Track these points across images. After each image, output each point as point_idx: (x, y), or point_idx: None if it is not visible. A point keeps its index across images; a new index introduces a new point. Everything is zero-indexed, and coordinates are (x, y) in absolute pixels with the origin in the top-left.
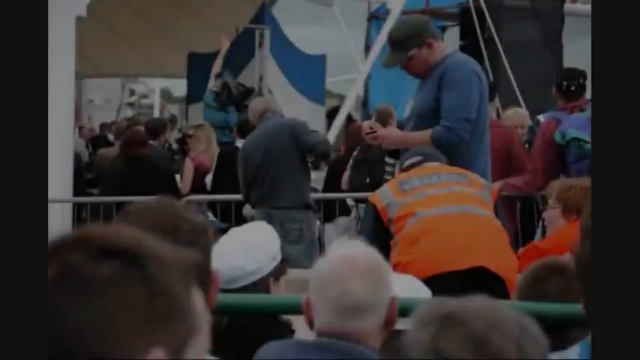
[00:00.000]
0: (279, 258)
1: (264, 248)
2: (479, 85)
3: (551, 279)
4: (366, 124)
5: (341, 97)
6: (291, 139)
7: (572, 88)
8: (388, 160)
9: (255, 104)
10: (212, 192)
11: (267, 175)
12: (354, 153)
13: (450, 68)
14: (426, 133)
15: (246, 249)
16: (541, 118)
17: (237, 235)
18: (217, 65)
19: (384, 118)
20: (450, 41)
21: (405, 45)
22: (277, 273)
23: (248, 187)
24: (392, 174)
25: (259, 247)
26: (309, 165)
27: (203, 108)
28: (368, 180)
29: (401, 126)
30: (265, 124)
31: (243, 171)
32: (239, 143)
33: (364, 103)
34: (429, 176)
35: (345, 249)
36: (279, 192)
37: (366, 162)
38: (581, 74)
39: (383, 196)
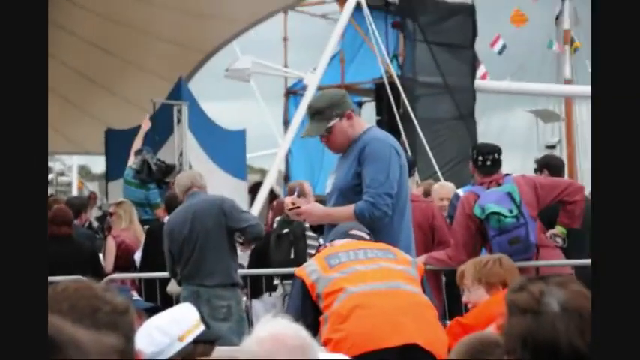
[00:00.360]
0: (189, 339)
1: (164, 331)
2: (398, 160)
3: (492, 352)
4: (288, 200)
5: (263, 172)
6: (219, 216)
7: (488, 163)
8: (310, 233)
9: (181, 179)
10: (141, 270)
11: (194, 251)
12: (274, 227)
13: (370, 144)
14: (349, 209)
15: (146, 332)
16: (460, 192)
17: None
18: (137, 143)
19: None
20: (366, 117)
21: (325, 115)
22: (190, 354)
23: (174, 262)
24: (315, 248)
25: (160, 330)
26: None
27: (123, 185)
28: (292, 255)
29: (323, 201)
30: (192, 199)
31: (168, 246)
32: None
33: (286, 178)
34: (355, 252)
35: (272, 327)
36: (206, 269)
37: (288, 237)
38: (496, 149)
39: (311, 271)
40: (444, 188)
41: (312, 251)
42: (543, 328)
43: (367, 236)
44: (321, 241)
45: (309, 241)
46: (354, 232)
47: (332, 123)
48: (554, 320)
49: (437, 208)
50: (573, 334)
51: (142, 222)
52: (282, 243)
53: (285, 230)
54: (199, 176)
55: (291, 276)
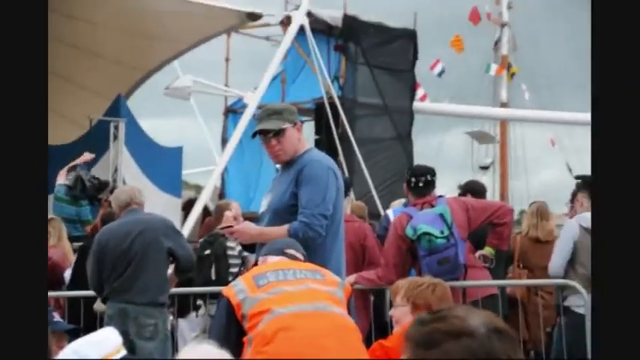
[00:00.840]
0: None
1: (80, 354)
2: (335, 181)
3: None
4: (229, 214)
5: (198, 189)
6: (162, 236)
7: (421, 184)
8: (231, 253)
9: (120, 195)
10: (71, 288)
11: (129, 267)
12: (197, 248)
13: (308, 165)
14: (282, 228)
15: (65, 356)
16: (390, 213)
17: None
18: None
19: (222, 214)
20: (305, 135)
21: (283, 116)
22: None
23: (101, 279)
24: (237, 267)
25: (79, 354)
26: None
27: (53, 202)
28: (214, 276)
29: (255, 219)
30: (131, 216)
31: (97, 261)
32: None
33: (221, 195)
34: (284, 272)
35: (197, 353)
36: (139, 286)
37: (209, 258)
38: (429, 171)
39: (238, 291)
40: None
41: (234, 270)
42: (484, 347)
43: (301, 257)
44: (251, 257)
45: (231, 261)
46: (289, 251)
47: (287, 125)
48: (490, 339)
49: (369, 228)
50: (510, 350)
51: (72, 239)
52: (203, 264)
53: (207, 252)
54: (138, 192)
55: (216, 296)
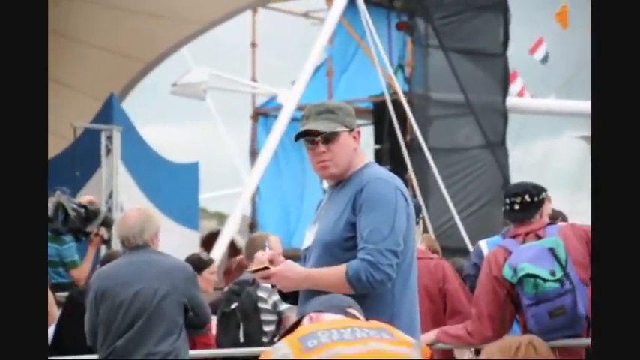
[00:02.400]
0: None
1: None
2: (405, 207)
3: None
4: (260, 256)
5: (221, 218)
6: (179, 285)
7: (516, 207)
8: (263, 306)
9: (126, 221)
10: (54, 348)
11: (134, 322)
12: (220, 302)
13: (369, 185)
14: (338, 270)
15: None
16: (483, 244)
17: None
18: None
19: (256, 251)
20: (361, 145)
21: (338, 117)
22: None
23: (96, 334)
24: (272, 324)
25: None
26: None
27: None
28: (242, 338)
29: (298, 259)
30: (141, 254)
31: (94, 311)
32: None
33: (252, 226)
34: (339, 331)
35: None
36: (146, 348)
37: (235, 314)
38: (526, 189)
39: (279, 356)
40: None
41: (268, 329)
42: None
43: (362, 317)
44: (290, 312)
45: (263, 317)
46: (352, 311)
47: (342, 129)
48: None
49: (449, 266)
50: None
51: (55, 287)
52: (229, 323)
53: (233, 306)
54: (152, 220)
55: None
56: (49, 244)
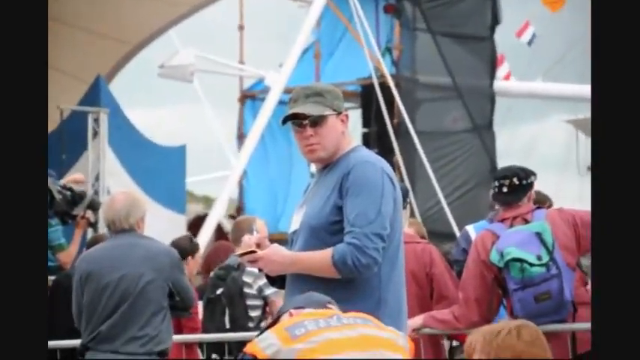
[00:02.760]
0: None
1: None
2: (392, 190)
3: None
4: (247, 240)
5: (208, 201)
6: (167, 271)
7: (505, 189)
8: (249, 291)
9: (113, 204)
10: None
11: (118, 307)
12: (205, 288)
13: (356, 168)
14: (324, 254)
15: None
16: (470, 229)
17: None
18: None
19: (243, 234)
20: (348, 128)
21: (326, 100)
22: None
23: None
24: (258, 310)
25: None
26: None
27: None
28: (228, 324)
29: (285, 243)
30: (125, 239)
31: (79, 294)
32: None
33: (239, 209)
34: (326, 319)
35: None
36: (131, 333)
37: (220, 300)
38: (516, 172)
39: (266, 345)
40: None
41: (254, 314)
42: None
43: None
44: (276, 297)
45: (249, 302)
46: (331, 306)
47: (329, 112)
48: None
49: (436, 251)
50: None
51: None
52: (214, 308)
53: (218, 292)
54: (138, 204)
55: (234, 348)
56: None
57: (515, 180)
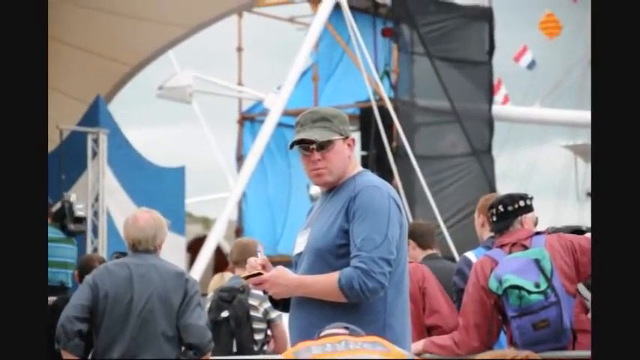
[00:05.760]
0: None
1: None
2: (398, 215)
3: None
4: (253, 262)
5: (206, 222)
6: (177, 297)
7: (494, 218)
8: (255, 314)
9: (137, 223)
10: None
11: (124, 331)
12: (207, 309)
13: (363, 192)
14: (330, 277)
15: None
16: (471, 256)
17: None
18: None
19: (247, 257)
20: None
21: (333, 125)
22: None
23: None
24: (262, 333)
25: None
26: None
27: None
28: (235, 348)
29: (287, 265)
30: (150, 259)
31: (84, 298)
32: None
33: (238, 231)
34: (333, 344)
35: None
36: (143, 353)
37: (228, 323)
38: (502, 200)
39: None
40: None
41: (258, 337)
42: None
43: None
44: (280, 320)
45: (255, 325)
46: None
47: (337, 137)
48: None
49: (427, 269)
50: None
51: (62, 290)
52: (219, 332)
53: (224, 314)
54: (160, 224)
55: None
56: (67, 245)
57: (500, 207)
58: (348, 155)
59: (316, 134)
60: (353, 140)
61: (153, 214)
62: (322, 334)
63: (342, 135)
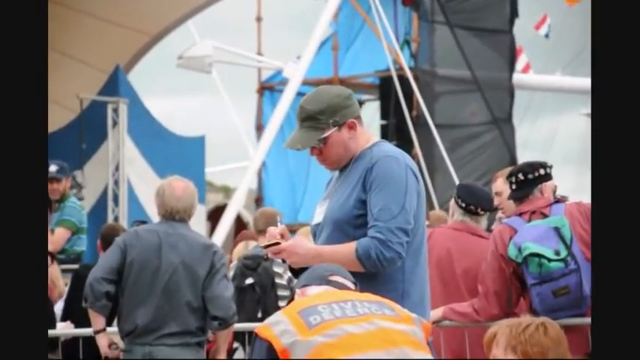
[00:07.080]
0: None
1: None
2: (416, 185)
3: None
4: (273, 231)
5: (227, 191)
6: (206, 267)
7: (514, 186)
8: (279, 281)
9: (172, 190)
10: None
11: (152, 293)
12: (232, 276)
13: (380, 162)
14: (348, 247)
15: None
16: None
17: None
18: None
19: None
20: (367, 120)
21: (320, 122)
22: None
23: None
24: (286, 300)
25: None
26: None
27: (69, 211)
28: (260, 314)
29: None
30: (182, 229)
31: (114, 260)
32: None
33: (258, 200)
34: (340, 305)
35: None
36: (168, 322)
37: (253, 289)
38: (522, 168)
39: (282, 332)
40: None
41: (283, 304)
42: None
43: (352, 286)
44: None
45: (279, 292)
46: (335, 278)
47: (327, 133)
48: None
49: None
50: None
51: (65, 261)
52: (244, 298)
53: (249, 280)
54: (193, 195)
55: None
56: (83, 211)
57: (520, 176)
58: (348, 138)
59: (302, 140)
60: (354, 122)
61: (188, 184)
62: (331, 279)
63: (333, 126)
